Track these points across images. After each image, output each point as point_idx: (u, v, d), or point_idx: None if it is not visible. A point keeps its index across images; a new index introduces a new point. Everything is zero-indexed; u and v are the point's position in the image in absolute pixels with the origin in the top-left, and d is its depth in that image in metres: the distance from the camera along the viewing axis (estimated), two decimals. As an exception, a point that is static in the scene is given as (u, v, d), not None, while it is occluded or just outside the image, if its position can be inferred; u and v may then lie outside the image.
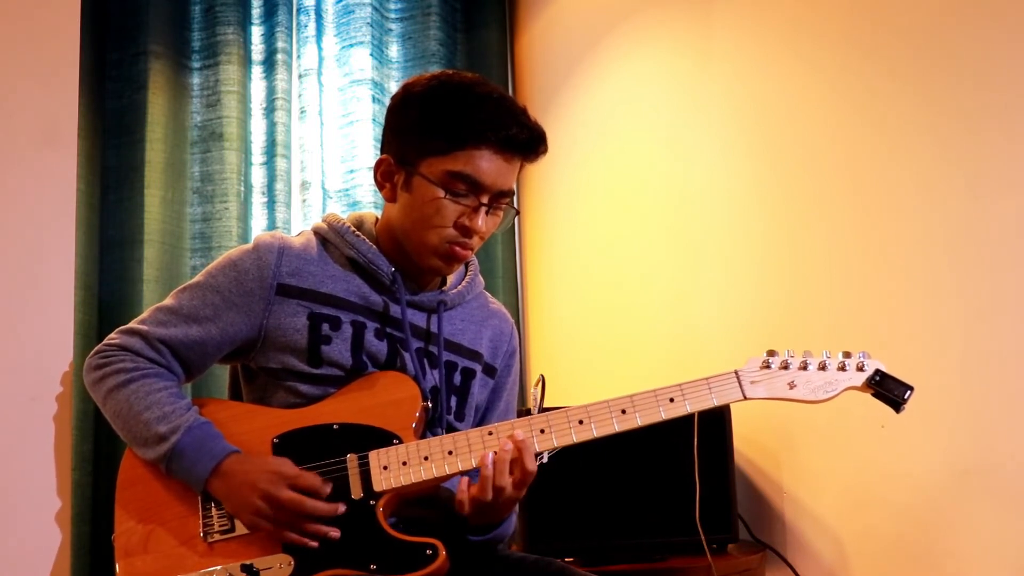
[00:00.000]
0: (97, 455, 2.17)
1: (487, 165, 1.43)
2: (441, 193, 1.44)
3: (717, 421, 1.99)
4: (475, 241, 1.48)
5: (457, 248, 1.47)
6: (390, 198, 1.52)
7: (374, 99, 2.69)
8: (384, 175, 1.52)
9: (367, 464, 1.40)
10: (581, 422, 1.40)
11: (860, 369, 1.39)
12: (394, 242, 1.53)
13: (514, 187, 1.51)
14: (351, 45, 2.73)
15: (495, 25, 2.91)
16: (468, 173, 1.43)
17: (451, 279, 1.62)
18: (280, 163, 2.54)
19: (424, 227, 1.46)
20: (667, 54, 2.43)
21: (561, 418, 1.40)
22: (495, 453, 1.37)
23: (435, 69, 2.76)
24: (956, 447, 1.75)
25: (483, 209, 1.46)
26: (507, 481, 1.36)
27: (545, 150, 1.50)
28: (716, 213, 2.27)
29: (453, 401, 1.56)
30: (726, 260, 2.24)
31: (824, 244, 2.02)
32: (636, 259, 2.49)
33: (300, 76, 2.64)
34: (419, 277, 1.55)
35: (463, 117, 1.43)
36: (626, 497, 1.98)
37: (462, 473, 1.42)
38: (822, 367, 1.40)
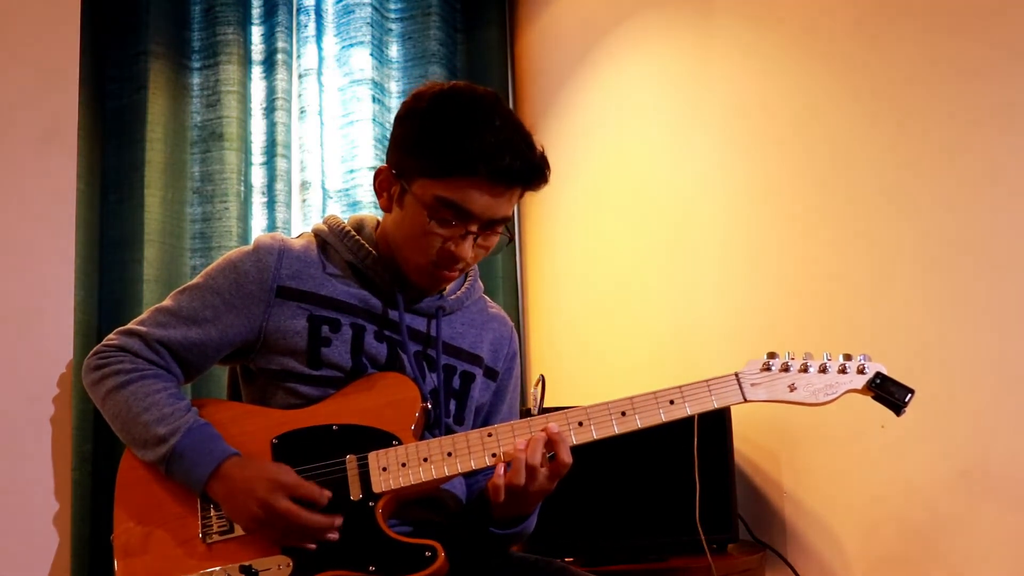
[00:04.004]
0: (97, 455, 2.17)
1: (477, 195, 1.39)
2: (427, 218, 1.41)
3: (717, 421, 1.99)
4: (462, 266, 1.46)
5: (443, 271, 1.46)
6: (386, 208, 1.51)
7: (374, 99, 2.69)
8: (382, 185, 1.51)
9: (366, 465, 1.40)
10: (581, 424, 1.40)
11: (861, 372, 1.38)
12: (391, 249, 1.52)
13: (510, 213, 1.46)
14: (351, 45, 2.72)
15: (495, 25, 2.91)
16: (456, 202, 1.40)
17: (450, 285, 1.61)
18: (280, 163, 2.53)
19: (412, 247, 1.45)
20: (667, 55, 2.42)
21: (560, 420, 1.40)
22: (528, 440, 1.36)
23: (435, 69, 2.76)
24: (956, 448, 1.75)
25: (471, 237, 1.43)
26: (538, 460, 1.35)
27: (545, 180, 1.45)
28: (715, 214, 2.26)
29: (452, 405, 1.55)
30: (726, 262, 2.23)
31: (824, 247, 2.01)
32: (636, 260, 2.48)
33: (300, 76, 2.63)
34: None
35: (458, 143, 1.38)
36: (626, 497, 1.98)
37: (462, 475, 1.42)
38: (822, 370, 1.39)
